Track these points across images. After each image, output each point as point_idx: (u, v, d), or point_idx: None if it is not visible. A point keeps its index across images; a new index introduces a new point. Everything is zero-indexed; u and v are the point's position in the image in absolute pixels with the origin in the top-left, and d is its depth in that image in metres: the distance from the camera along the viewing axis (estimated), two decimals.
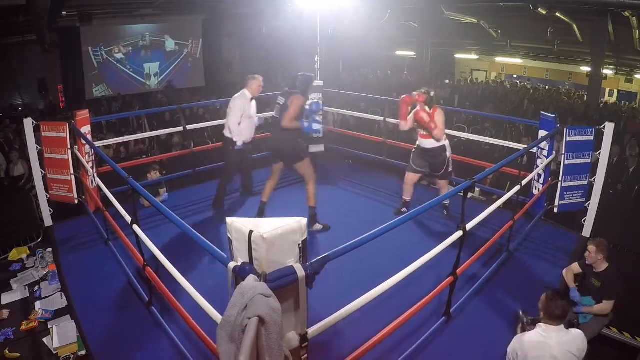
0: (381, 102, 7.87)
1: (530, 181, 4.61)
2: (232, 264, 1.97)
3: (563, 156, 4.51)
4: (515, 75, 17.26)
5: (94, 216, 4.59)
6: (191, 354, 2.82)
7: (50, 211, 4.56)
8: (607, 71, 12.72)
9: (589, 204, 4.50)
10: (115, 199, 3.65)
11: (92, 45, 13.35)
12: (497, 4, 11.72)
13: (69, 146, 4.52)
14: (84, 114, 4.82)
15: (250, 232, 1.91)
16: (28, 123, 4.37)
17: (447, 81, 16.39)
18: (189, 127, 5.64)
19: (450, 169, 4.58)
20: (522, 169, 4.27)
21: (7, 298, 3.73)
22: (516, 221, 3.96)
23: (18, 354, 3.11)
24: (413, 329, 3.04)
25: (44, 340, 3.24)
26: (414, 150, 4.71)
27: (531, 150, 4.59)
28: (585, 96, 12.98)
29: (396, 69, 18.63)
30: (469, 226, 3.07)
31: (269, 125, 4.68)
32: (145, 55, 14.50)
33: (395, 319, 2.72)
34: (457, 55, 17.73)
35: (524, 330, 2.72)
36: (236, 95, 4.76)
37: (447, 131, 4.60)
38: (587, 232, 4.46)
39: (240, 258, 2.01)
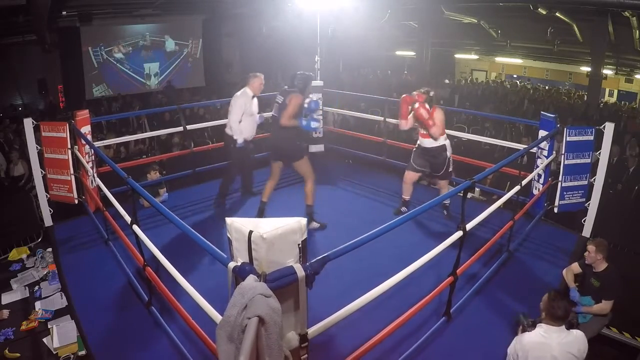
0: (381, 102, 7.86)
1: (530, 181, 4.61)
2: (232, 264, 1.97)
3: (563, 156, 4.51)
4: (515, 75, 17.25)
5: (94, 216, 4.59)
6: (191, 354, 2.81)
7: (50, 211, 4.56)
8: (607, 71, 12.72)
9: (589, 204, 4.50)
10: (115, 199, 3.65)
11: (92, 45, 13.35)
12: (497, 4, 11.72)
13: (69, 146, 4.52)
14: (84, 114, 4.82)
15: (250, 232, 1.90)
16: (28, 123, 4.37)
17: (447, 81, 16.38)
18: (189, 127, 5.64)
19: (450, 169, 4.58)
20: (522, 169, 4.27)
21: (7, 298, 3.73)
22: (516, 221, 3.96)
23: (18, 354, 3.11)
24: (413, 329, 3.04)
25: (44, 340, 3.25)
26: (414, 149, 4.71)
27: (531, 150, 4.59)
28: (585, 96, 12.97)
29: (396, 69, 18.62)
30: (469, 226, 3.07)
31: (269, 125, 4.68)
32: (145, 55, 14.51)
33: (396, 319, 2.72)
34: (457, 55, 17.72)
35: (524, 332, 2.72)
36: (238, 93, 4.77)
37: (447, 131, 4.60)
38: (587, 232, 4.46)
39: (240, 258, 2.01)
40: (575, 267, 3.58)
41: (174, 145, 7.50)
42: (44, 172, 4.57)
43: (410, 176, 4.71)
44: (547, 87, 15.71)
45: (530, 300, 3.35)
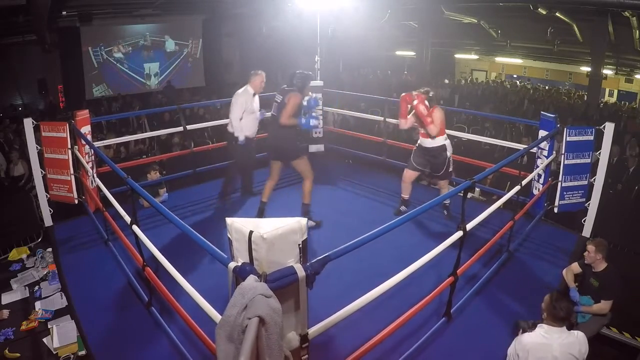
0: (381, 102, 7.86)
1: (531, 181, 4.61)
2: (232, 264, 1.97)
3: (563, 156, 4.51)
4: (515, 75, 17.26)
5: (94, 216, 4.59)
6: (191, 354, 2.81)
7: (50, 211, 4.56)
8: (607, 71, 12.72)
9: (589, 204, 4.50)
10: (115, 199, 3.65)
11: (92, 45, 13.35)
12: (497, 4, 11.72)
13: (69, 146, 4.52)
14: (84, 114, 4.82)
15: (251, 232, 1.91)
16: (28, 123, 4.37)
17: (447, 81, 16.39)
18: (189, 127, 5.64)
19: (450, 169, 4.58)
20: (522, 169, 4.27)
21: (7, 298, 3.73)
22: (516, 221, 3.96)
23: (18, 354, 3.11)
24: (413, 329, 3.04)
25: (44, 340, 3.24)
26: (415, 149, 4.71)
27: (531, 150, 4.59)
28: (585, 96, 12.98)
29: (396, 69, 18.62)
30: (469, 226, 3.06)
31: (268, 124, 4.69)
32: (145, 55, 14.51)
33: (396, 319, 2.72)
34: (457, 55, 17.73)
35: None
36: (239, 91, 4.79)
37: (447, 131, 4.59)
38: (587, 232, 4.46)
39: (241, 258, 2.01)
40: (575, 267, 3.58)
41: (174, 145, 7.50)
42: (44, 172, 4.57)
43: (409, 175, 4.71)
44: (547, 87, 15.72)
45: (531, 300, 3.36)
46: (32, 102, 12.91)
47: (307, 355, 2.10)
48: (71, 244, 4.31)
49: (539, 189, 4.74)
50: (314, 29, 6.79)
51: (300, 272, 1.90)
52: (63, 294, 3.65)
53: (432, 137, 4.42)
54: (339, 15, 8.86)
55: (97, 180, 4.38)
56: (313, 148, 6.47)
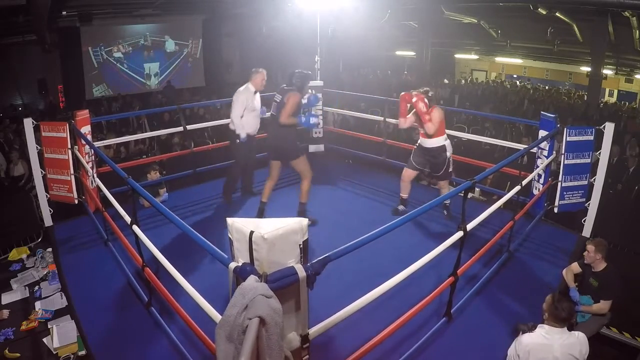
0: (381, 102, 7.86)
1: (531, 181, 4.61)
2: (232, 265, 1.97)
3: (563, 156, 4.51)
4: (515, 75, 17.26)
5: (94, 216, 4.59)
6: (190, 354, 2.81)
7: (50, 211, 4.56)
8: (607, 71, 12.73)
9: (589, 204, 4.50)
10: (115, 199, 3.65)
11: (92, 45, 13.36)
12: (497, 4, 11.73)
13: (69, 146, 4.51)
14: (84, 114, 4.82)
15: (251, 232, 1.91)
16: (28, 123, 4.36)
17: (446, 81, 16.39)
18: (189, 127, 5.64)
19: (450, 170, 4.58)
20: (522, 169, 4.27)
21: (7, 298, 3.73)
22: (516, 221, 3.96)
23: (18, 354, 3.11)
24: (414, 330, 3.04)
25: (44, 340, 3.24)
26: (415, 148, 4.71)
27: (531, 150, 4.59)
28: (585, 96, 12.98)
29: (396, 69, 18.63)
30: (469, 226, 3.06)
31: (267, 124, 4.69)
32: (146, 55, 14.51)
33: (396, 319, 2.72)
34: (457, 55, 17.73)
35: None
36: (240, 88, 4.81)
37: (447, 131, 4.60)
38: (587, 232, 4.46)
39: (241, 258, 2.01)
40: (575, 267, 3.59)
41: (174, 145, 7.50)
42: (44, 172, 4.57)
43: (409, 174, 4.70)
44: (547, 87, 15.72)
45: (531, 301, 3.36)
46: (32, 102, 12.91)
47: (307, 356, 2.10)
48: (71, 244, 4.31)
49: (539, 189, 4.74)
50: (314, 29, 6.79)
51: (301, 273, 1.90)
52: (63, 294, 3.65)
53: (430, 136, 4.42)
54: (339, 15, 8.86)
55: (97, 180, 4.38)
56: (313, 148, 6.47)
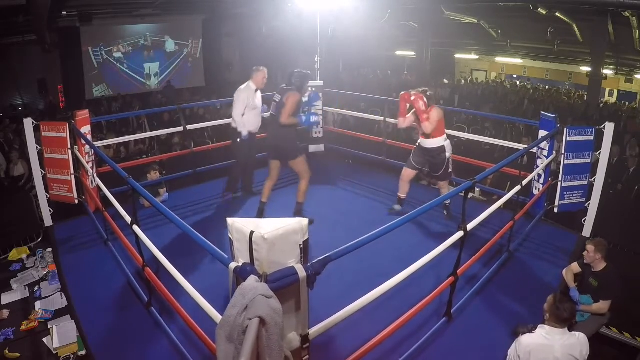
0: (381, 102, 7.86)
1: (531, 181, 4.61)
2: (233, 265, 1.97)
3: (563, 156, 4.51)
4: (515, 75, 17.26)
5: (94, 216, 4.59)
6: (191, 354, 2.81)
7: (50, 211, 4.55)
8: (607, 71, 12.73)
9: (589, 204, 4.50)
10: (115, 199, 3.65)
11: (92, 45, 13.35)
12: (497, 4, 11.73)
13: (69, 146, 4.51)
14: (84, 114, 4.82)
15: (252, 232, 1.91)
16: (28, 123, 4.36)
17: (446, 81, 16.39)
18: (189, 127, 5.64)
19: (450, 170, 4.58)
20: (523, 169, 4.28)
21: (7, 298, 3.73)
22: (516, 221, 3.96)
23: (18, 354, 3.11)
24: (414, 330, 3.04)
25: (44, 340, 3.24)
26: (414, 148, 4.71)
27: (531, 150, 4.59)
28: (585, 96, 12.98)
29: (396, 69, 18.63)
30: (469, 226, 3.06)
31: (267, 124, 4.70)
32: (146, 55, 14.50)
33: (396, 319, 2.72)
34: (457, 55, 17.73)
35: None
36: (241, 87, 4.82)
37: (447, 131, 4.60)
38: (587, 232, 4.46)
39: (241, 258, 2.01)
40: (575, 266, 3.59)
41: (174, 145, 7.50)
42: (44, 172, 4.57)
43: (408, 174, 4.71)
44: (547, 87, 15.72)
45: (531, 301, 3.36)
46: (32, 102, 12.91)
47: (307, 356, 2.10)
48: (71, 244, 4.31)
49: (539, 189, 4.74)
50: (314, 29, 6.79)
51: (301, 273, 1.90)
52: (63, 294, 3.65)
53: (427, 136, 4.42)
54: (339, 15, 8.86)
55: (97, 180, 4.38)
56: (313, 148, 6.47)
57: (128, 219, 3.15)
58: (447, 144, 4.48)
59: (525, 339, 2.51)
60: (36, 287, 3.82)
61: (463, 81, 16.53)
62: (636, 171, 6.92)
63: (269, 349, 1.62)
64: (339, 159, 6.77)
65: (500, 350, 2.81)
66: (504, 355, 2.68)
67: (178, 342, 2.89)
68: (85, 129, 4.73)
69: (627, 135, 8.34)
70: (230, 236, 2.09)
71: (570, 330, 2.52)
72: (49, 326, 3.34)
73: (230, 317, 1.63)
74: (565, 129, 4.46)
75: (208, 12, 14.46)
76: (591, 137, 4.51)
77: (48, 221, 4.55)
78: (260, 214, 4.55)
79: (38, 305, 3.60)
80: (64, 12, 11.48)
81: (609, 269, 3.37)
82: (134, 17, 13.42)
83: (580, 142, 4.50)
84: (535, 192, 4.79)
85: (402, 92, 4.48)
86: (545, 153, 4.69)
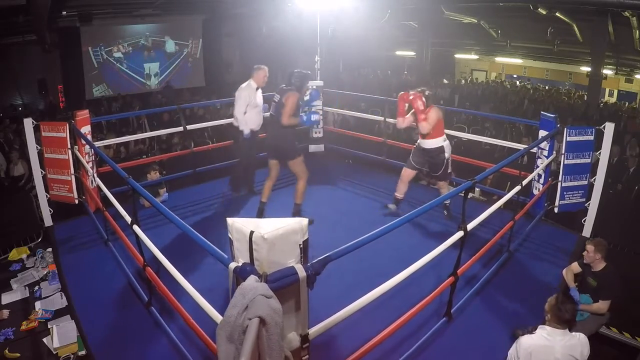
0: (381, 102, 7.86)
1: (531, 181, 4.61)
2: (232, 265, 1.96)
3: (563, 156, 4.51)
4: (515, 75, 17.26)
5: (94, 216, 4.59)
6: (191, 354, 2.81)
7: (50, 211, 4.56)
8: (607, 71, 12.73)
9: (589, 204, 4.50)
10: (115, 199, 3.65)
11: (92, 45, 13.35)
12: (497, 4, 11.73)
13: (69, 146, 4.51)
14: (84, 114, 4.82)
15: (251, 232, 1.91)
16: (28, 123, 4.37)
17: (446, 81, 16.39)
18: (189, 127, 5.65)
19: (449, 170, 4.58)
20: (523, 169, 4.28)
21: (7, 298, 3.73)
22: (516, 221, 3.96)
23: (18, 354, 3.11)
24: (414, 330, 3.04)
25: (44, 340, 3.24)
26: (414, 148, 4.71)
27: (531, 150, 4.59)
28: (585, 96, 12.98)
29: (396, 69, 18.63)
30: (469, 226, 3.06)
31: (266, 124, 4.70)
32: (146, 56, 14.50)
33: (396, 319, 2.72)
34: (457, 55, 17.73)
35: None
36: (242, 85, 4.84)
37: (447, 131, 4.60)
38: (587, 232, 4.46)
39: (241, 258, 2.01)
40: (575, 266, 3.59)
41: (174, 145, 7.50)
42: (44, 172, 4.57)
43: (408, 174, 4.71)
44: (547, 87, 15.72)
45: (531, 301, 3.36)
46: (32, 102, 12.90)
47: (307, 356, 2.10)
48: (71, 244, 4.31)
49: (539, 189, 4.74)
50: (314, 29, 6.79)
51: (301, 273, 1.90)
52: (63, 294, 3.65)
53: (426, 136, 4.42)
54: (339, 15, 8.86)
55: (98, 180, 4.38)
56: (313, 148, 6.48)
57: (128, 219, 3.15)
58: (446, 144, 4.48)
59: (526, 340, 2.50)
60: (36, 287, 3.82)
61: (463, 81, 16.53)
62: (636, 171, 6.92)
63: (269, 348, 1.62)
64: (339, 159, 6.77)
65: (500, 350, 2.81)
66: (503, 355, 2.68)
67: (178, 342, 2.89)
68: (85, 129, 4.73)
69: (627, 135, 8.34)
70: (230, 236, 2.09)
71: (570, 330, 2.52)
72: (49, 326, 3.34)
73: (230, 318, 1.63)
74: (565, 129, 4.46)
75: (208, 12, 14.46)
76: (591, 137, 4.51)
77: (48, 221, 4.55)
78: (260, 214, 4.55)
79: (38, 305, 3.60)
80: (64, 12, 11.47)
81: (608, 269, 3.37)
82: (134, 17, 13.42)
83: (580, 142, 4.50)
84: (535, 192, 4.79)
85: (401, 92, 4.49)
86: (545, 153, 4.69)
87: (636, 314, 3.74)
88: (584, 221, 4.50)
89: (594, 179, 4.44)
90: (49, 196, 4.60)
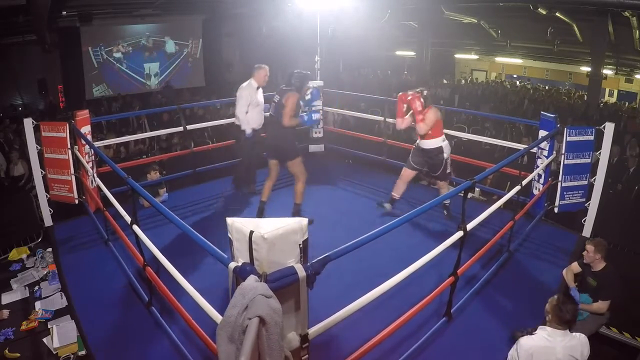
0: (381, 102, 7.87)
1: (531, 181, 4.61)
2: (232, 265, 1.96)
3: (563, 156, 4.51)
4: (515, 75, 17.26)
5: (94, 216, 4.59)
6: (191, 354, 2.81)
7: (50, 211, 4.56)
8: (607, 71, 12.73)
9: (589, 204, 4.50)
10: (115, 199, 3.65)
11: (92, 45, 13.35)
12: (497, 4, 11.72)
13: (69, 146, 4.51)
14: (84, 114, 4.82)
15: (251, 232, 1.91)
16: (28, 123, 4.37)
17: (445, 81, 16.39)
18: (189, 127, 5.65)
19: (448, 170, 4.58)
20: (523, 169, 4.27)
21: (7, 298, 3.73)
22: (516, 221, 3.96)
23: (18, 354, 3.11)
24: (414, 330, 3.04)
25: (44, 340, 3.25)
26: (413, 148, 4.72)
27: (531, 150, 4.59)
28: (585, 96, 12.98)
29: (396, 69, 18.63)
30: (469, 226, 3.06)
31: (266, 124, 4.71)
32: (146, 56, 14.50)
33: (396, 319, 2.72)
34: (457, 55, 17.74)
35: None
36: (243, 84, 4.86)
37: (447, 131, 4.60)
38: (587, 232, 4.46)
39: (241, 258, 2.01)
40: (575, 266, 3.59)
41: (174, 145, 7.50)
42: (44, 172, 4.57)
43: (408, 174, 4.71)
44: (547, 87, 15.72)
45: (531, 301, 3.36)
46: (32, 102, 12.90)
47: (307, 356, 2.10)
48: (71, 244, 4.31)
49: (539, 189, 4.74)
50: (314, 29, 6.79)
51: (301, 272, 1.90)
52: (63, 294, 3.65)
53: (423, 136, 4.42)
54: (339, 15, 8.86)
55: (98, 180, 4.38)
56: (313, 148, 6.48)
57: (128, 218, 3.15)
58: (445, 144, 4.48)
59: (526, 341, 2.49)
60: (36, 287, 3.82)
61: (463, 81, 16.53)
62: (636, 171, 6.92)
63: (269, 348, 1.62)
64: (339, 159, 6.77)
65: (500, 350, 2.82)
66: (503, 355, 2.68)
67: (178, 342, 2.90)
68: (85, 129, 4.73)
69: (627, 135, 8.34)
70: (229, 236, 2.09)
71: (570, 330, 2.52)
72: (49, 326, 3.34)
73: (231, 318, 1.63)
74: (565, 129, 4.46)
75: (208, 12, 14.46)
76: (591, 137, 4.51)
77: (48, 221, 4.55)
78: (260, 214, 4.55)
79: (38, 305, 3.60)
80: (64, 12, 11.47)
81: (608, 269, 3.38)
82: (134, 17, 13.42)
83: (580, 142, 4.50)
84: (535, 192, 4.79)
85: (400, 93, 4.49)
86: (545, 153, 4.69)
87: (636, 314, 3.75)
88: (584, 221, 4.50)
89: (594, 179, 4.44)
90: (49, 196, 4.60)
